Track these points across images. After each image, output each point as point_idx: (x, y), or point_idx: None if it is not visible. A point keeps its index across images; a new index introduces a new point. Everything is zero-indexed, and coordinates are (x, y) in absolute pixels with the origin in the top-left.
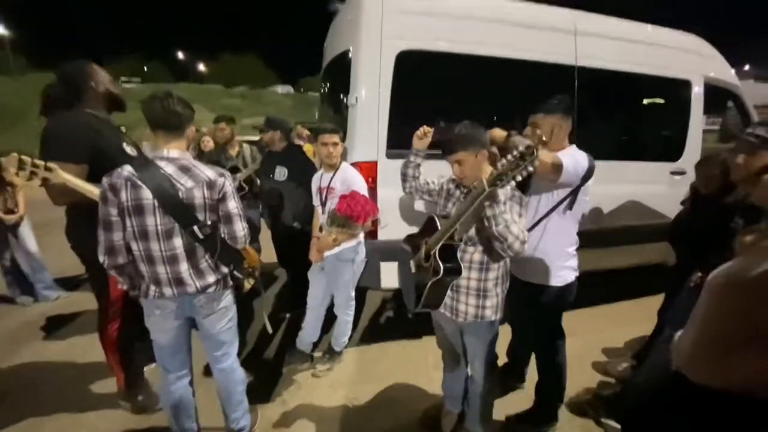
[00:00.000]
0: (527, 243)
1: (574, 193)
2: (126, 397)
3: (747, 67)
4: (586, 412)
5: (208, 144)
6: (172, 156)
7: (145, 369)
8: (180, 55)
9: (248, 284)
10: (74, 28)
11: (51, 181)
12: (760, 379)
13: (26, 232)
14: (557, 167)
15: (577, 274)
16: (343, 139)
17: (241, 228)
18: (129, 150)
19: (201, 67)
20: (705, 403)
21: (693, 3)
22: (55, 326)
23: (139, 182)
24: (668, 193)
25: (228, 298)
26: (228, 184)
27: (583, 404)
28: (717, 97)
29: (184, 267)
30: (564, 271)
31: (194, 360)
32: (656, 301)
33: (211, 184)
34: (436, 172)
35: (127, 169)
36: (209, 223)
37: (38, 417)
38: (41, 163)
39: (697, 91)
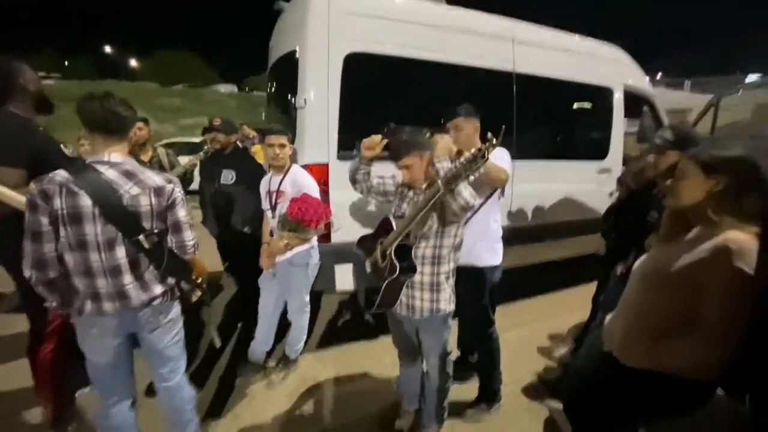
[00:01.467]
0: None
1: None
2: (55, 428)
3: (659, 76)
4: (532, 394)
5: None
6: (114, 160)
7: (77, 394)
8: (107, 49)
9: (195, 296)
10: None
11: None
12: (689, 363)
13: None
14: (506, 176)
15: (500, 258)
16: (292, 141)
17: (190, 236)
18: (68, 152)
19: (132, 63)
20: (634, 383)
21: (612, 16)
22: None
23: (76, 188)
24: (597, 190)
25: (175, 311)
26: (177, 190)
27: (528, 387)
28: (635, 102)
29: (127, 279)
30: (491, 253)
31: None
32: (593, 288)
33: (159, 191)
34: (389, 172)
35: (61, 174)
36: (156, 231)
37: None
38: None
39: (618, 97)
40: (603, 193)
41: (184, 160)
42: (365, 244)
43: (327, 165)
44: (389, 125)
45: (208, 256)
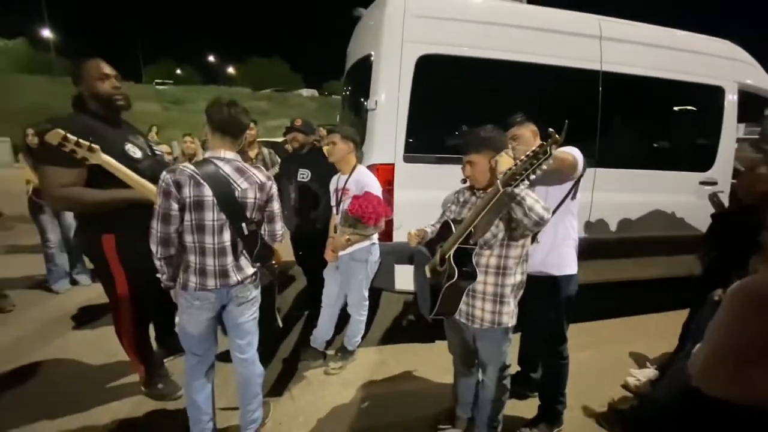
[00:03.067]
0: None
1: (577, 182)
2: (147, 386)
3: None
4: (601, 424)
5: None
6: (228, 157)
7: (166, 360)
8: (211, 58)
9: (266, 279)
10: (115, 33)
11: (89, 161)
12: None
13: (69, 215)
14: (576, 161)
15: (576, 267)
16: (358, 143)
17: (280, 227)
18: (132, 153)
19: (230, 70)
20: (717, 416)
21: (733, 9)
22: (86, 316)
23: (202, 180)
24: (697, 204)
25: (257, 291)
26: (275, 187)
27: (597, 415)
28: (752, 104)
29: (229, 260)
30: (567, 262)
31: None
32: (683, 315)
33: (262, 186)
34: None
35: (190, 168)
36: (255, 221)
37: (63, 401)
38: (85, 143)
39: (731, 98)
40: (705, 207)
41: (277, 159)
42: (428, 247)
43: (393, 165)
44: (462, 128)
45: (283, 248)
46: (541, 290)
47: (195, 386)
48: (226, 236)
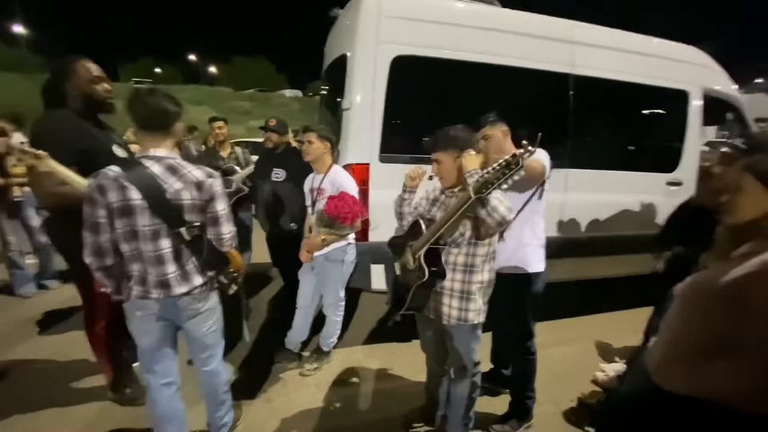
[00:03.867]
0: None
1: (542, 183)
2: (114, 390)
3: (759, 80)
4: (570, 419)
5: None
6: (158, 155)
7: (134, 365)
8: (192, 57)
9: (232, 290)
10: (92, 30)
11: (38, 168)
12: (726, 389)
13: (35, 218)
14: (544, 169)
15: (543, 265)
16: (334, 142)
17: (227, 230)
18: (119, 152)
19: (212, 69)
20: (673, 409)
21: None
22: (53, 320)
23: (126, 183)
24: (664, 203)
25: (212, 301)
26: (217, 185)
27: (567, 410)
28: (716, 108)
29: (171, 269)
30: (534, 259)
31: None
32: (650, 311)
33: (199, 185)
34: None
35: (114, 170)
36: (197, 224)
37: (28, 408)
38: (30, 150)
39: (695, 102)
40: (672, 207)
41: (252, 158)
42: (395, 244)
43: (368, 165)
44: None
45: (259, 248)
46: (508, 287)
47: (158, 413)
48: (164, 243)
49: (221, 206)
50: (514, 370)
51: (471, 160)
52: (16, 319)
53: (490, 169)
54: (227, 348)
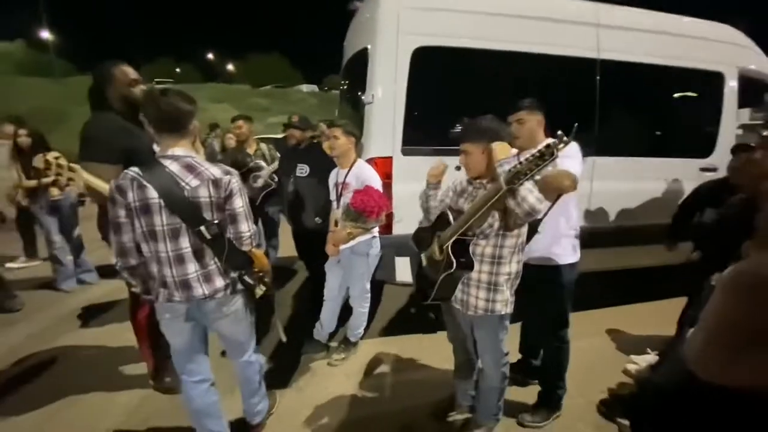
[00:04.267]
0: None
1: None
2: (155, 379)
3: None
4: (601, 410)
5: (231, 142)
6: (176, 154)
7: None
8: (210, 55)
9: (260, 291)
10: (113, 32)
11: (75, 181)
12: (765, 380)
13: (71, 216)
14: (576, 183)
15: (578, 255)
16: (358, 137)
17: (246, 228)
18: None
19: (230, 67)
20: (712, 400)
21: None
22: (93, 313)
23: (144, 182)
24: None
25: (238, 303)
26: (234, 181)
27: (598, 403)
28: (753, 90)
29: (191, 269)
30: (569, 250)
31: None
32: (683, 302)
33: (216, 183)
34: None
35: (133, 170)
36: (216, 222)
37: (74, 395)
38: (64, 164)
39: (731, 84)
40: None
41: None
42: (421, 236)
43: (391, 158)
44: (456, 121)
45: (285, 243)
46: (543, 278)
47: (193, 407)
48: (184, 242)
49: (239, 203)
50: (546, 359)
51: (502, 149)
52: (59, 312)
53: (522, 159)
54: (258, 339)
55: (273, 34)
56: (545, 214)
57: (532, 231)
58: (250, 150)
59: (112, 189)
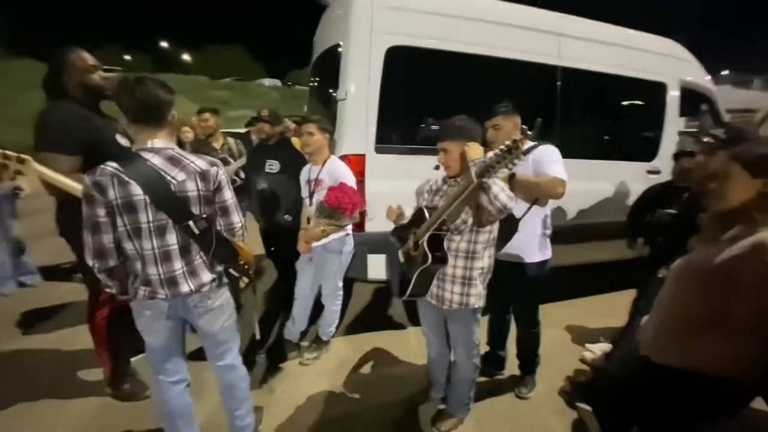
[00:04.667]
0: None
1: None
2: (112, 385)
3: (725, 72)
4: (562, 396)
5: (188, 135)
6: (157, 146)
7: (132, 360)
8: (164, 44)
9: (243, 283)
10: (55, 15)
11: (23, 174)
12: (718, 360)
13: (10, 214)
14: (563, 189)
15: (550, 252)
16: (332, 133)
17: (238, 219)
18: (123, 142)
19: (185, 57)
20: (665, 381)
21: (675, 8)
22: (38, 318)
23: (127, 178)
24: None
25: (223, 296)
26: (221, 173)
27: (559, 389)
28: (692, 100)
29: (178, 266)
30: (542, 248)
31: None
32: (633, 293)
33: (204, 175)
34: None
35: (111, 165)
36: (204, 216)
37: (24, 403)
38: (13, 154)
39: (673, 93)
40: None
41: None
42: (399, 233)
43: (364, 156)
44: (428, 122)
45: (251, 242)
46: (520, 274)
47: (168, 408)
48: (171, 238)
49: (229, 195)
50: (525, 343)
51: (474, 150)
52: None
53: (491, 154)
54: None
55: (232, 25)
56: (524, 214)
57: (513, 230)
58: (217, 144)
59: (89, 186)
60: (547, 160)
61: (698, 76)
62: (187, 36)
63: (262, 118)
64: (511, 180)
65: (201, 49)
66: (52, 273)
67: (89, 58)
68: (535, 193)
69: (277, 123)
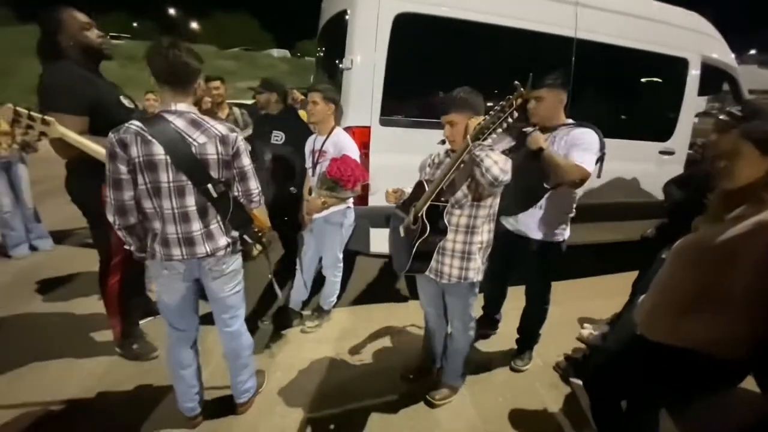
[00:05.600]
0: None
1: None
2: (121, 346)
3: (752, 52)
4: (557, 371)
5: (208, 104)
6: (180, 109)
7: (141, 322)
8: (171, 11)
9: (256, 250)
10: None
11: (48, 135)
12: (712, 338)
13: (23, 178)
14: (581, 175)
15: (567, 234)
16: (338, 103)
17: (256, 185)
18: (127, 103)
19: (193, 25)
20: (659, 358)
21: None
22: (50, 281)
23: (150, 137)
24: (656, 172)
25: (237, 263)
26: (240, 139)
27: (555, 364)
28: (713, 78)
29: (196, 227)
30: (560, 229)
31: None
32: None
33: (224, 140)
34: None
35: (136, 124)
36: (223, 180)
37: (38, 362)
38: (38, 116)
39: (694, 71)
40: (663, 176)
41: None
42: (402, 209)
43: (369, 128)
44: (436, 92)
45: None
46: (534, 251)
47: (178, 361)
48: (190, 200)
49: (247, 161)
50: (531, 318)
51: (476, 125)
52: (11, 280)
53: (486, 116)
54: None
55: None
56: (549, 191)
57: (532, 203)
58: (222, 114)
59: (113, 143)
60: (579, 146)
61: (722, 53)
62: (195, 3)
63: (256, 90)
64: (539, 154)
65: (208, 16)
66: (64, 238)
67: (82, 16)
68: (554, 172)
69: (272, 90)
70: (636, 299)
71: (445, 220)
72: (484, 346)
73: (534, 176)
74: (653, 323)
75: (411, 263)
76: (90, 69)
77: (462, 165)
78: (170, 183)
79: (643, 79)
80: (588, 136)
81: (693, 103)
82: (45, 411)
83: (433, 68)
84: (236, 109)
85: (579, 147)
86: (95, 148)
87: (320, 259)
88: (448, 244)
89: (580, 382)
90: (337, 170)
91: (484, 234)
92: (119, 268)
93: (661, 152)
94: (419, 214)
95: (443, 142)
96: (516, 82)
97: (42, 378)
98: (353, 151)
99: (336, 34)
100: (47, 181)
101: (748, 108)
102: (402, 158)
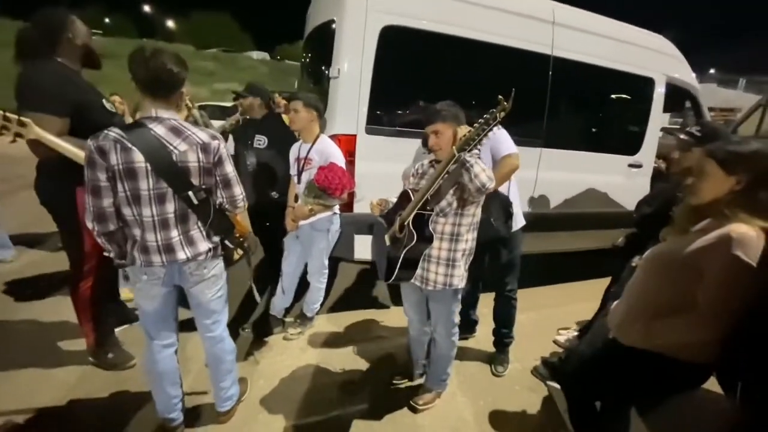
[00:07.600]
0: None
1: None
2: (95, 355)
3: (712, 71)
4: (535, 374)
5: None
6: (160, 116)
7: (117, 330)
8: (146, 8)
9: (237, 255)
10: None
11: (24, 137)
12: (678, 342)
13: None
14: (517, 161)
15: (519, 223)
16: (321, 111)
17: (239, 191)
18: (109, 106)
19: (170, 23)
20: (632, 361)
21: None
22: (18, 288)
23: (129, 144)
24: (625, 184)
25: (218, 267)
26: (222, 146)
27: (532, 368)
28: (676, 96)
29: (174, 233)
30: (519, 217)
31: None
32: (608, 281)
33: (205, 147)
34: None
35: (114, 131)
36: (204, 187)
37: (6, 372)
38: (14, 117)
39: (659, 89)
40: (632, 187)
41: (216, 124)
42: (387, 219)
43: (355, 136)
44: (420, 103)
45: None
46: (500, 240)
47: (157, 369)
48: (170, 207)
49: (229, 168)
50: (499, 314)
51: (462, 135)
52: None
53: (470, 129)
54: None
55: None
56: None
57: (508, 210)
58: (180, 116)
59: (92, 150)
60: (499, 143)
61: (684, 73)
62: (172, 0)
63: (240, 93)
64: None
65: (186, 15)
66: (29, 242)
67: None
68: (506, 179)
69: (256, 95)
70: (609, 305)
71: (431, 229)
72: (464, 351)
73: None
74: (626, 328)
75: (398, 271)
76: (75, 71)
77: (447, 174)
78: (150, 190)
79: (613, 96)
80: (500, 133)
81: (659, 119)
82: (12, 423)
83: (418, 80)
84: (196, 111)
85: (501, 145)
86: (73, 150)
87: (305, 265)
88: (434, 252)
89: (557, 386)
90: (325, 178)
91: (468, 242)
92: (92, 273)
93: (630, 165)
94: (405, 223)
95: (430, 151)
96: (500, 96)
97: (10, 389)
98: (339, 159)
99: (322, 42)
100: (7, 181)
101: (706, 128)
102: (387, 166)
